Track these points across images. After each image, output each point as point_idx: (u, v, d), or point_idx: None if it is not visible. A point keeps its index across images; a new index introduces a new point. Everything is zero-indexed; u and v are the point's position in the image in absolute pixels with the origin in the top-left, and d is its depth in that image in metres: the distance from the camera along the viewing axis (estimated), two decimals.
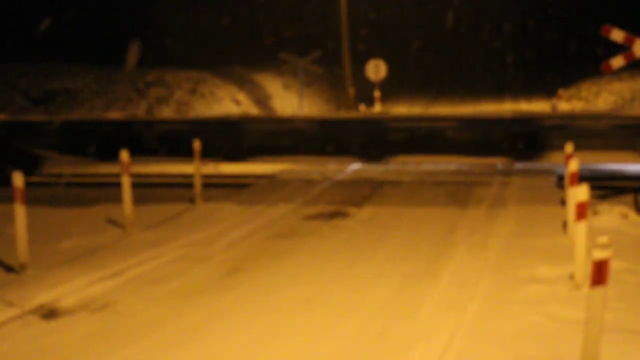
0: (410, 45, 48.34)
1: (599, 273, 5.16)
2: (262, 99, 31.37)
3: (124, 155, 11.06)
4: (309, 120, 18.53)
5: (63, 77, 27.13)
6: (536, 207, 12.26)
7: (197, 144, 13.11)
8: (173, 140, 17.28)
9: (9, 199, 9.05)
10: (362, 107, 29.63)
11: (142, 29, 34.49)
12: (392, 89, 37.42)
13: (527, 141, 16.17)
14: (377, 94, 29.29)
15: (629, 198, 12.77)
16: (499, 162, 16.81)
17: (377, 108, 29.18)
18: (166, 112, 25.59)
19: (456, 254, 9.49)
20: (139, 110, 25.59)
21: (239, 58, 35.03)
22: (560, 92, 32.11)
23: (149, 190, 14.54)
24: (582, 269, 7.64)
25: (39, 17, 32.20)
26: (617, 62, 11.90)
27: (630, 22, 19.82)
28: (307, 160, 17.14)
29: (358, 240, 10.46)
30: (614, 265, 7.06)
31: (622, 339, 6.25)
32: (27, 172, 10.64)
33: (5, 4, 32.11)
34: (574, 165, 9.44)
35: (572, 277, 7.91)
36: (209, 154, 15.58)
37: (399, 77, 40.07)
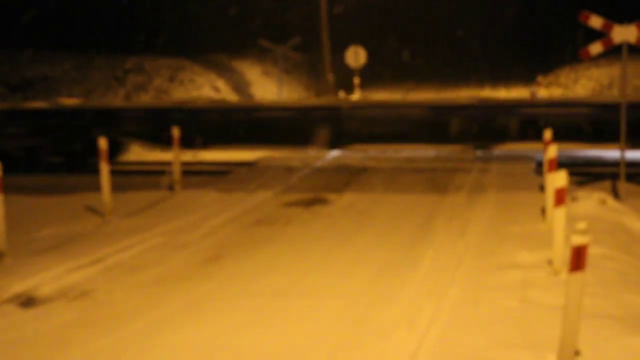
0: (390, 31, 48.28)
1: (578, 259, 5.18)
2: (241, 86, 31.26)
3: (103, 142, 10.97)
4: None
5: (41, 64, 26.87)
6: (515, 193, 12.31)
7: (175, 131, 13.05)
8: None
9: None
10: (342, 94, 29.54)
11: (121, 16, 34.22)
12: (372, 75, 37.34)
13: None
14: (356, 80, 29.21)
15: (607, 184, 12.85)
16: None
17: (357, 95, 29.09)
18: (145, 100, 25.41)
19: (435, 240, 9.51)
20: (117, 98, 25.40)
21: (218, 45, 34.84)
22: (539, 79, 32.17)
23: (127, 178, 14.46)
24: (561, 255, 7.68)
25: (16, 3, 31.86)
26: (595, 48, 11.90)
27: (607, 8, 19.87)
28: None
29: (338, 227, 10.45)
30: (592, 251, 7.11)
31: (600, 324, 6.28)
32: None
33: None
34: (552, 152, 9.45)
35: (550, 262, 7.95)
36: None
37: (379, 64, 39.97)
